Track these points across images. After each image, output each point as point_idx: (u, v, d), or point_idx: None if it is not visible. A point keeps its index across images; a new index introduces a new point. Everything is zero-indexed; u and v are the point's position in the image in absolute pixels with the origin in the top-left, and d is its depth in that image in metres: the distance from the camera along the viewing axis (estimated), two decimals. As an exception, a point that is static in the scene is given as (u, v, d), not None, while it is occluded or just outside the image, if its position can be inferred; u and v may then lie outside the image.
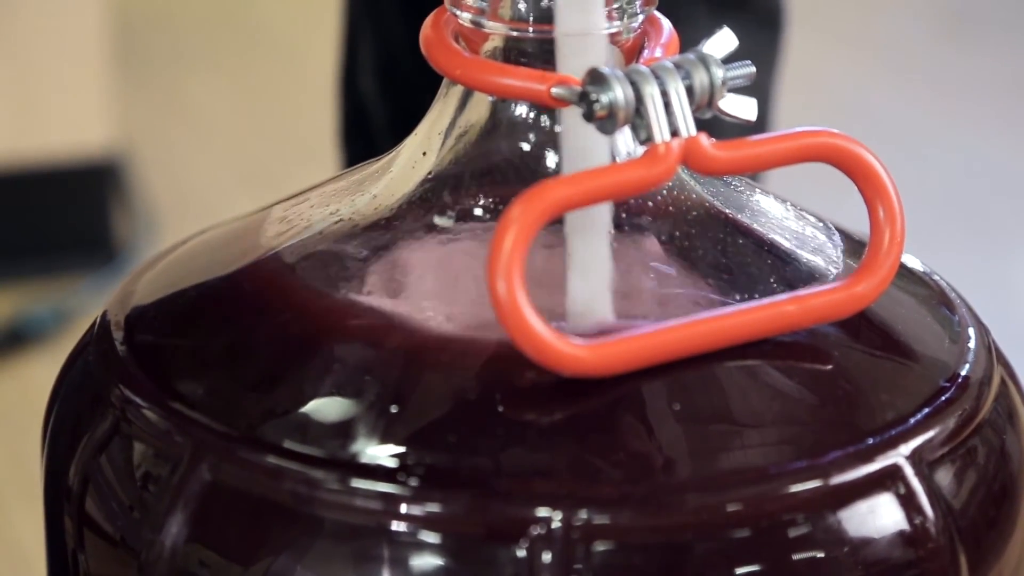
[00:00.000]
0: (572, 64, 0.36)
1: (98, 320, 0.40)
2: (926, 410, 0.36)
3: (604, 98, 0.35)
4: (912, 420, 0.36)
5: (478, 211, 0.38)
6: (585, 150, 0.36)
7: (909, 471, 0.35)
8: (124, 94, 1.56)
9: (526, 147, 0.38)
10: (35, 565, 1.07)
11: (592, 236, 0.36)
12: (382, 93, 0.68)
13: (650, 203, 0.38)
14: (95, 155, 1.45)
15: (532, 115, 0.38)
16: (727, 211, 0.39)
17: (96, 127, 1.45)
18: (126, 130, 1.52)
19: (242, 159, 1.60)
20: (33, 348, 1.33)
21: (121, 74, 1.55)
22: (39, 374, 1.27)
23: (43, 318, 1.35)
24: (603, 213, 0.37)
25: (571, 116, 0.36)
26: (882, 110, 1.61)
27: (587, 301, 0.36)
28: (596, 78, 0.35)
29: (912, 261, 0.42)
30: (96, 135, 1.45)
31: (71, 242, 1.44)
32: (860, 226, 0.40)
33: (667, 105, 0.35)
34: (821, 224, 0.41)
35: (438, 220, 0.38)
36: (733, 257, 0.38)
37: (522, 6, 0.37)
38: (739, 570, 0.34)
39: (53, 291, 1.39)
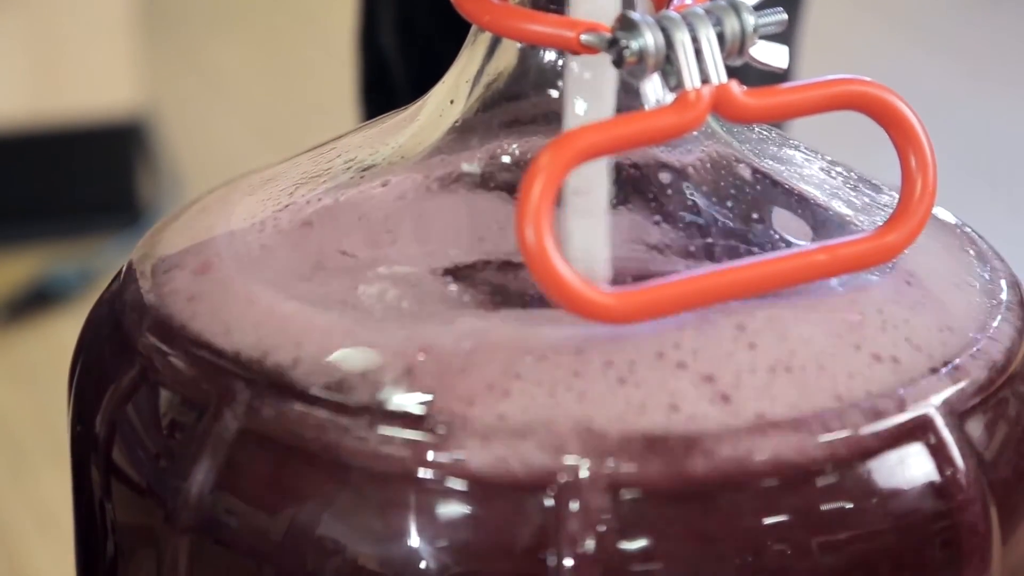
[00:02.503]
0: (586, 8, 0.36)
1: (124, 269, 0.40)
2: (957, 360, 0.36)
3: (634, 44, 0.34)
4: (943, 370, 0.36)
5: (506, 159, 0.38)
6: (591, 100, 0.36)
7: (940, 422, 0.35)
8: (149, 55, 1.56)
9: (554, 94, 0.37)
10: (62, 522, 1.07)
11: (591, 217, 0.36)
12: (402, 47, 0.68)
13: (679, 151, 0.38)
14: (120, 116, 1.45)
15: (561, 62, 0.37)
16: (757, 161, 0.39)
17: (121, 88, 1.45)
18: (151, 91, 1.52)
19: (266, 120, 1.60)
20: (58, 308, 1.33)
21: (146, 35, 1.55)
22: (64, 334, 1.27)
23: (68, 278, 1.35)
24: (601, 196, 0.36)
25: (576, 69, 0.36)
26: (906, 75, 1.60)
27: (585, 246, 0.35)
28: (626, 24, 0.35)
29: (944, 213, 0.41)
30: (121, 96, 1.45)
31: (96, 202, 1.44)
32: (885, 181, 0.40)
33: (698, 52, 0.34)
34: (851, 175, 0.41)
35: (466, 167, 0.38)
36: (763, 206, 0.38)
37: (551, -48, 0.37)
38: (767, 520, 0.33)
39: (78, 251, 1.39)
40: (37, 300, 1.34)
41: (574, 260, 0.35)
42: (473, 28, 0.38)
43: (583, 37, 0.36)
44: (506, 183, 0.37)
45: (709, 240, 0.37)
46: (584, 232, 0.35)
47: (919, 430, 0.35)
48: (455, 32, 0.39)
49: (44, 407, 1.21)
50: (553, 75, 0.37)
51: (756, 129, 0.40)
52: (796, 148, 0.41)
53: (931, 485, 0.35)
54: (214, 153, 1.54)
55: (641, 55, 0.34)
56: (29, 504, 1.12)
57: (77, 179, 1.45)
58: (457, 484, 0.33)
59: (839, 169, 0.41)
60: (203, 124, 1.61)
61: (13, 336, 1.30)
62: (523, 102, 0.38)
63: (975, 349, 0.36)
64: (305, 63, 1.70)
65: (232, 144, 1.56)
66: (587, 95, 0.36)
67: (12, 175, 1.45)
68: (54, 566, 1.06)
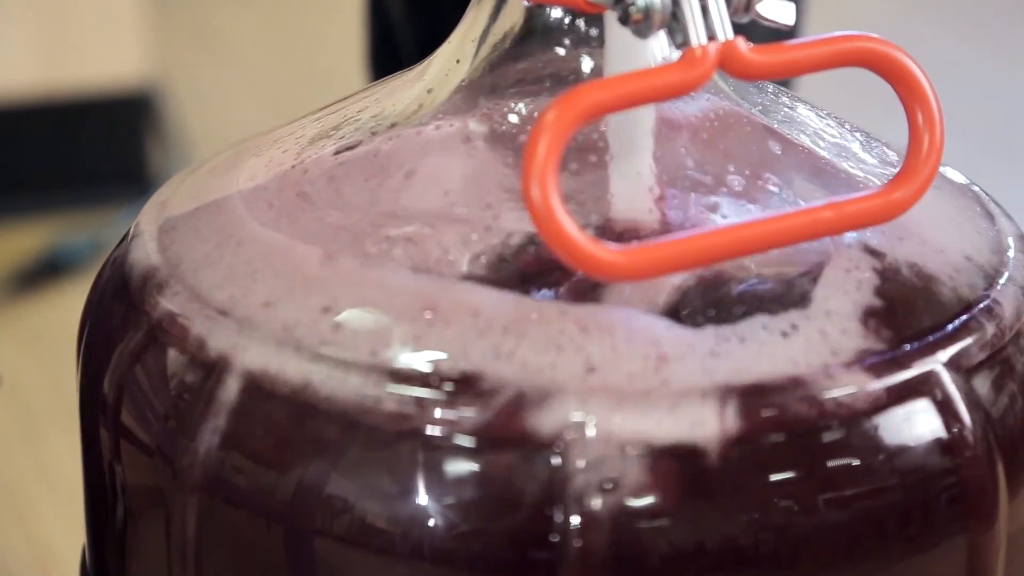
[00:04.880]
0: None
1: (131, 231, 0.40)
2: (964, 317, 0.36)
3: (640, 1, 0.34)
4: (950, 327, 0.36)
5: (513, 117, 0.38)
6: (627, 56, 0.36)
7: (947, 378, 0.35)
8: (158, 26, 1.56)
9: (561, 52, 0.37)
10: (74, 487, 1.08)
11: (635, 139, 0.36)
12: (410, 16, 0.68)
13: (686, 108, 0.38)
14: (130, 87, 1.45)
15: (567, 20, 0.37)
16: (764, 118, 0.39)
17: (131, 59, 1.45)
18: (160, 62, 1.52)
19: (275, 89, 1.60)
20: (70, 278, 1.33)
21: (155, 6, 1.54)
22: (75, 303, 1.27)
23: (79, 249, 1.35)
24: (647, 116, 0.36)
25: (613, 22, 0.36)
26: (909, 39, 1.60)
27: (629, 201, 0.36)
28: (632, -19, 0.34)
29: (951, 172, 0.41)
30: (131, 67, 1.45)
31: (107, 173, 1.44)
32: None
33: (704, 9, 0.34)
34: (858, 133, 0.41)
35: (473, 126, 0.38)
36: (770, 164, 0.38)
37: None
38: (774, 476, 0.33)
39: (89, 222, 1.39)
40: (48, 270, 1.34)
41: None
42: (479, -13, 0.38)
43: (589, -6, 0.35)
44: (513, 142, 0.37)
45: (716, 198, 0.37)
46: (627, 190, 0.36)
47: (926, 386, 0.35)
48: (464, 0, 0.39)
49: (56, 376, 1.22)
50: (559, 33, 0.37)
51: (764, 87, 0.40)
52: (804, 107, 0.41)
53: (938, 442, 0.34)
54: (224, 123, 1.54)
55: (647, 12, 0.34)
56: (41, 470, 1.13)
57: (87, 150, 1.45)
58: (464, 441, 0.33)
59: (847, 127, 0.41)
60: (212, 94, 1.61)
61: (25, 306, 1.31)
62: (529, 61, 0.38)
63: (982, 306, 0.36)
64: (314, 32, 1.70)
65: (241, 114, 1.56)
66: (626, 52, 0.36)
67: (23, 146, 1.45)
68: (66, 530, 1.06)
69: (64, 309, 1.29)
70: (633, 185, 0.36)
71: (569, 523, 0.33)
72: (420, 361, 0.34)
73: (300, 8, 1.76)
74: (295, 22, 1.74)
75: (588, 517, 0.33)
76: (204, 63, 1.66)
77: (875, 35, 0.36)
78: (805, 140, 0.39)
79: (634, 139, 0.37)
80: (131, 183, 1.43)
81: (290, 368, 0.35)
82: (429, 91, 0.39)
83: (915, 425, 0.34)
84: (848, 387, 0.34)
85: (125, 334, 0.38)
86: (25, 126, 1.45)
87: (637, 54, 0.37)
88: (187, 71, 1.62)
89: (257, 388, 0.35)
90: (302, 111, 0.42)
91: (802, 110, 0.40)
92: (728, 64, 0.34)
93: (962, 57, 1.60)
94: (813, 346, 0.35)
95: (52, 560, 1.05)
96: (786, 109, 0.40)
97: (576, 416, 0.33)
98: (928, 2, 1.71)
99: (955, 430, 0.35)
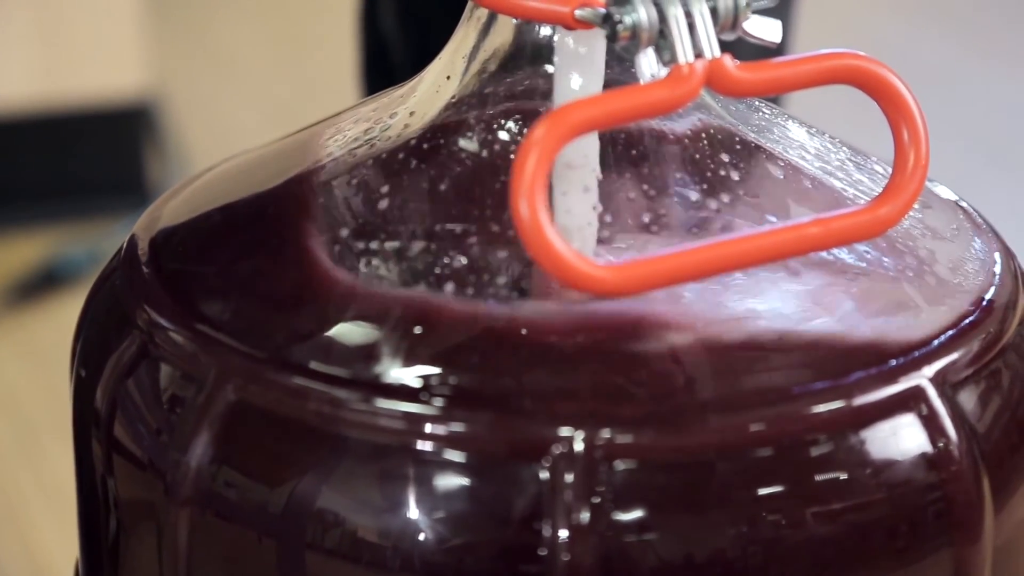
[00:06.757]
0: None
1: (125, 245, 0.40)
2: (950, 333, 0.36)
3: (628, 19, 0.34)
4: (936, 342, 0.36)
5: (502, 134, 0.38)
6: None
7: (932, 393, 0.35)
8: (157, 37, 1.56)
9: (550, 69, 0.38)
10: (71, 502, 1.08)
11: (578, 173, 0.36)
12: (403, 30, 0.68)
13: (674, 126, 0.38)
14: (128, 98, 1.46)
15: (556, 38, 0.37)
16: (752, 135, 0.39)
17: (129, 70, 1.45)
18: (159, 73, 1.52)
19: (273, 100, 1.61)
20: (68, 290, 1.34)
21: (153, 17, 1.55)
22: (73, 315, 1.27)
23: (77, 260, 1.36)
24: (592, 150, 0.37)
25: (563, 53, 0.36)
26: (908, 49, 1.60)
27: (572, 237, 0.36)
28: (620, -1, 0.35)
29: (939, 187, 0.42)
30: (129, 78, 1.45)
31: (105, 184, 1.44)
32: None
33: (691, 26, 0.35)
34: (846, 149, 0.41)
35: (462, 143, 0.38)
36: (757, 180, 0.38)
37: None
38: (761, 490, 0.34)
39: (87, 233, 1.40)
40: (46, 281, 1.34)
41: (564, 231, 0.35)
42: (469, 4, 0.39)
43: (577, 12, 0.36)
44: (502, 158, 0.38)
45: (704, 214, 0.37)
46: (575, 204, 0.36)
47: (911, 401, 0.35)
48: (454, 12, 0.39)
49: (54, 387, 1.22)
50: (549, 51, 0.38)
51: (754, 104, 0.40)
52: (796, 124, 0.41)
53: (924, 456, 0.35)
54: (222, 134, 1.54)
55: (635, 30, 0.34)
56: (38, 481, 1.13)
57: (86, 161, 1.45)
58: (453, 456, 0.34)
59: (836, 144, 0.41)
60: (211, 105, 1.61)
61: (23, 317, 1.31)
62: (519, 78, 0.38)
63: (968, 321, 0.37)
64: (312, 43, 1.71)
65: (240, 125, 1.57)
66: (581, 69, 0.36)
67: (22, 158, 1.45)
68: (63, 543, 1.07)
69: (62, 320, 1.29)
70: (581, 201, 0.36)
71: (557, 537, 0.33)
72: (410, 376, 0.34)
73: (298, 20, 1.76)
74: (293, 34, 1.74)
75: (576, 531, 0.33)
76: (202, 75, 1.67)
77: (862, 52, 0.36)
78: (796, 158, 0.39)
79: (583, 157, 0.36)
80: (129, 195, 1.44)
81: (282, 383, 0.35)
82: (420, 107, 0.39)
83: (901, 440, 0.35)
84: (835, 402, 0.34)
85: (118, 347, 0.38)
86: (24, 138, 1.45)
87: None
88: (185, 83, 1.63)
89: (248, 402, 0.35)
90: (300, 122, 0.43)
91: (793, 128, 0.41)
92: (715, 81, 0.35)
93: (961, 66, 1.60)
94: (800, 360, 0.35)
95: (49, 571, 1.06)
96: (777, 127, 0.40)
97: (564, 431, 0.33)
98: (927, 11, 1.72)
99: (941, 445, 0.35)
